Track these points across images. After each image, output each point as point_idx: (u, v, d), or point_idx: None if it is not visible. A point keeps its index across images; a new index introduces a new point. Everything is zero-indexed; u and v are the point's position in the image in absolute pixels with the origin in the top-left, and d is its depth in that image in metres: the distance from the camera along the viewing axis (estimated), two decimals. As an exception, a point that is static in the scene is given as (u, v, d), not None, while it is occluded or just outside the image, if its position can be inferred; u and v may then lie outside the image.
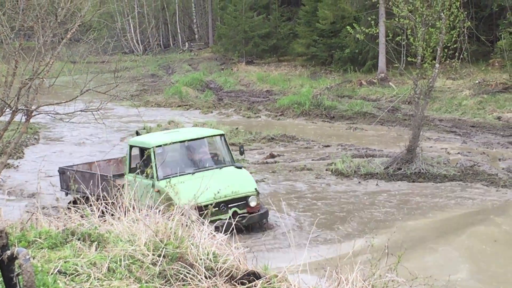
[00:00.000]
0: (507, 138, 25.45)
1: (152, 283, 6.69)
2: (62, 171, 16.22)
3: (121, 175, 14.92)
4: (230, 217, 12.55)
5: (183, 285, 6.83)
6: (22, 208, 12.86)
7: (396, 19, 21.87)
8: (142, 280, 6.81)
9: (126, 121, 32.05)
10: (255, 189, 14.07)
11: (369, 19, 25.65)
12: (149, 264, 7.19)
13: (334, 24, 40.32)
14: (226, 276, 7.16)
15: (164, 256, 7.37)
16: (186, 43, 62.01)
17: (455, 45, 21.89)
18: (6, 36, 12.14)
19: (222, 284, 6.99)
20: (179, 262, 7.25)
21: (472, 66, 36.11)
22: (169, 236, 7.74)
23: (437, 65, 21.42)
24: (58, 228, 8.02)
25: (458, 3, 20.23)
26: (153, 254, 7.36)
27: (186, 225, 7.98)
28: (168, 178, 13.27)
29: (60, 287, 6.09)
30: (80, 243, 7.52)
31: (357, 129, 28.52)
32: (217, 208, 12.28)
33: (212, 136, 15.22)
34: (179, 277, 6.98)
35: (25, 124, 12.84)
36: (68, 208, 10.40)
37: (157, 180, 13.26)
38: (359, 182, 19.45)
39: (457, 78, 34.91)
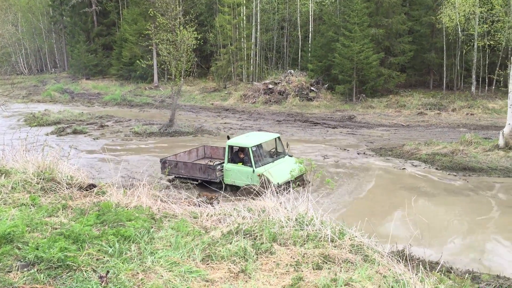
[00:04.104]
0: (216, 113, 33.33)
1: (37, 194, 8.23)
2: (164, 161, 15.57)
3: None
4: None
5: (54, 193, 8.39)
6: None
7: (161, 57, 27.14)
8: (31, 192, 8.24)
9: (21, 109, 34.89)
10: (305, 169, 14.21)
11: (148, 57, 34.53)
12: (35, 183, 8.59)
13: (130, 59, 46.76)
14: (78, 186, 8.85)
15: (43, 179, 8.68)
16: (53, 69, 67.09)
17: (190, 69, 29.79)
18: None
19: (76, 191, 8.64)
20: (52, 181, 8.69)
21: (198, 80, 45.49)
22: (45, 168, 9.22)
23: (182, 79, 27.32)
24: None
25: (191, 49, 26.13)
26: (37, 178, 8.74)
27: (55, 162, 9.62)
28: (261, 166, 14.01)
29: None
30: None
31: (145, 111, 35.21)
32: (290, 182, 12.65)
33: (276, 137, 15.57)
34: (52, 189, 8.54)
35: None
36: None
37: (255, 168, 13.80)
38: (147, 137, 24.62)
39: (191, 85, 43.78)
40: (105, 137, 25.00)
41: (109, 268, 5.34)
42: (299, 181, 14.30)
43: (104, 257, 5.65)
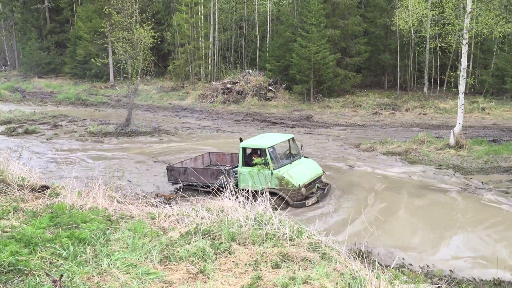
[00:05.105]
0: (174, 113, 33.27)
1: (-15, 198, 7.81)
2: (170, 169, 14.86)
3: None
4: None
5: (5, 195, 8.22)
6: None
7: (117, 55, 27.21)
8: (-22, 196, 7.77)
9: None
10: (322, 170, 14.49)
11: (103, 55, 34.65)
12: (-17, 187, 8.19)
13: (85, 58, 46.20)
14: (30, 188, 8.63)
15: (-9, 182, 8.26)
16: (3, 66, 65.29)
17: (147, 68, 31.37)
18: None
19: (27, 193, 8.42)
20: (2, 183, 8.50)
21: (156, 79, 45.23)
22: (-6, 170, 8.75)
23: (139, 78, 27.02)
24: None
25: (148, 47, 25.70)
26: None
27: (5, 163, 9.36)
28: (279, 168, 13.11)
29: None
30: None
31: (101, 111, 34.97)
32: (311, 184, 13.26)
33: (291, 138, 14.63)
34: (2, 191, 8.35)
35: None
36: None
37: (274, 170, 12.82)
38: (102, 137, 24.08)
39: (149, 84, 43.26)
40: (58, 137, 24.40)
41: (63, 272, 5.18)
42: (319, 183, 13.88)
43: (57, 260, 5.47)
